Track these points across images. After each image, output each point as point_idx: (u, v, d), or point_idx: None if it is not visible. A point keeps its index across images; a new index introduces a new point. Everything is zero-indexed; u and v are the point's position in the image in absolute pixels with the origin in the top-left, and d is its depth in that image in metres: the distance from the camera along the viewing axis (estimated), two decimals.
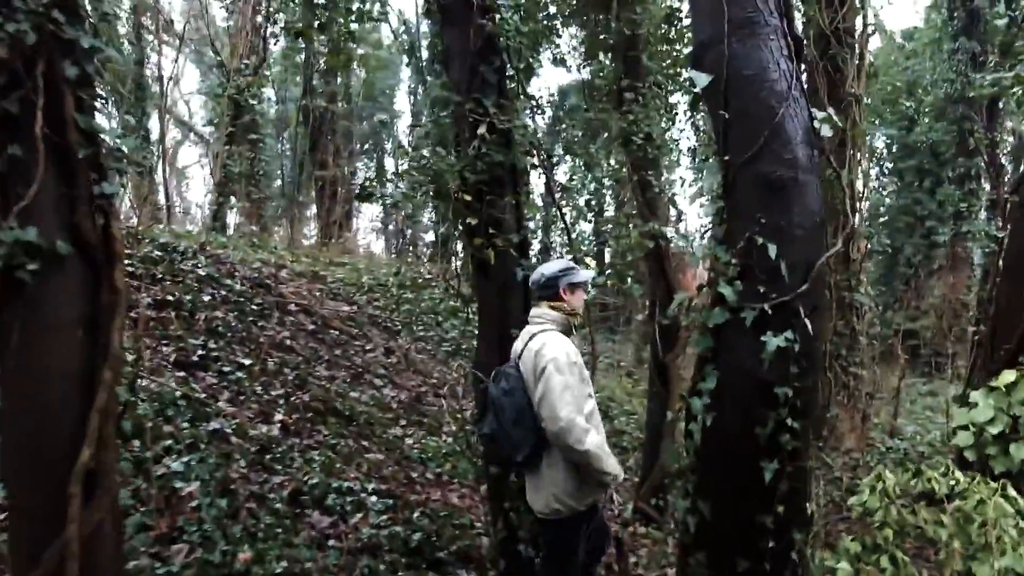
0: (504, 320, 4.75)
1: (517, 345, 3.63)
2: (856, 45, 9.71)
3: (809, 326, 3.31)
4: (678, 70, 8.11)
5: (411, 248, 28.50)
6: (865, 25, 9.81)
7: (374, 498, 5.64)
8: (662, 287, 7.29)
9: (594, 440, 3.29)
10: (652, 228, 7.00)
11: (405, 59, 26.47)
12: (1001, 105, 10.09)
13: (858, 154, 9.55)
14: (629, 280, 6.83)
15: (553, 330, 3.52)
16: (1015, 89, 10.12)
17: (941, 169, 16.22)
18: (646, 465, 7.41)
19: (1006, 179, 9.89)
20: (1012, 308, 6.61)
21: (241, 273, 9.83)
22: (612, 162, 7.64)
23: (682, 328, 7.40)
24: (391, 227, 32.47)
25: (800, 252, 3.40)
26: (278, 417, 6.55)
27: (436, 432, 7.97)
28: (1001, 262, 6.90)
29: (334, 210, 20.19)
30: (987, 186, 15.10)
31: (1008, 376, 4.23)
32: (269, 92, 29.27)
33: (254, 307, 8.82)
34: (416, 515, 5.51)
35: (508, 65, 5.33)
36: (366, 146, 31.53)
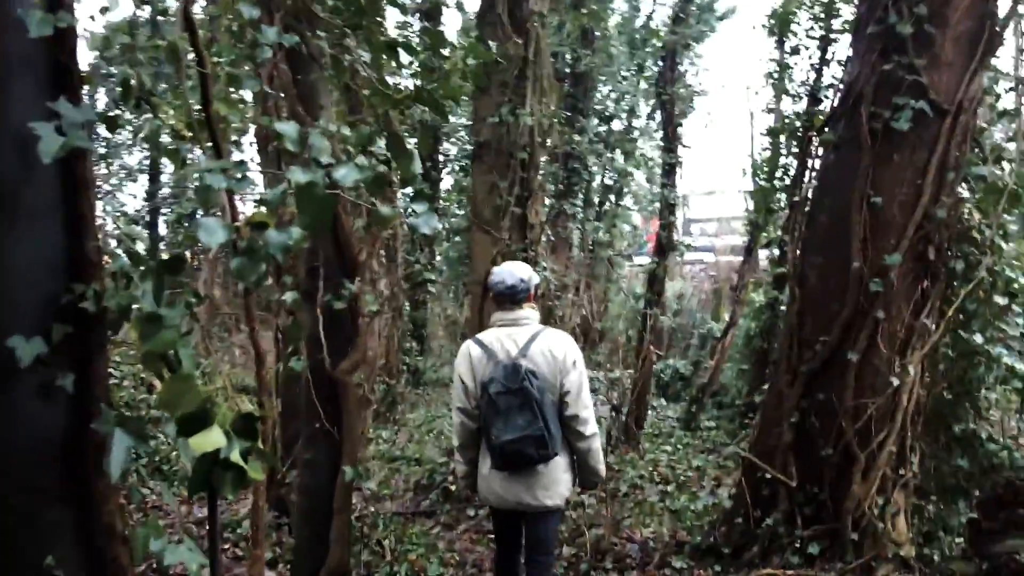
0: None
1: (505, 343, 3.37)
2: None
3: None
4: None
5: None
6: None
7: None
8: (330, 243, 3.98)
9: None
10: (304, 129, 3.64)
11: None
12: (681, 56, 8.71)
13: (542, 87, 7.16)
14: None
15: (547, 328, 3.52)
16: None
17: None
18: (306, 560, 4.08)
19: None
20: (826, 289, 4.66)
21: None
22: None
23: (368, 318, 4.20)
24: None
25: None
26: None
27: None
28: (799, 233, 4.95)
29: None
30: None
31: None
32: None
33: None
34: None
35: None
36: None
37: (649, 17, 19.83)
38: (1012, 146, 4.59)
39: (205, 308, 14.60)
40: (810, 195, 4.86)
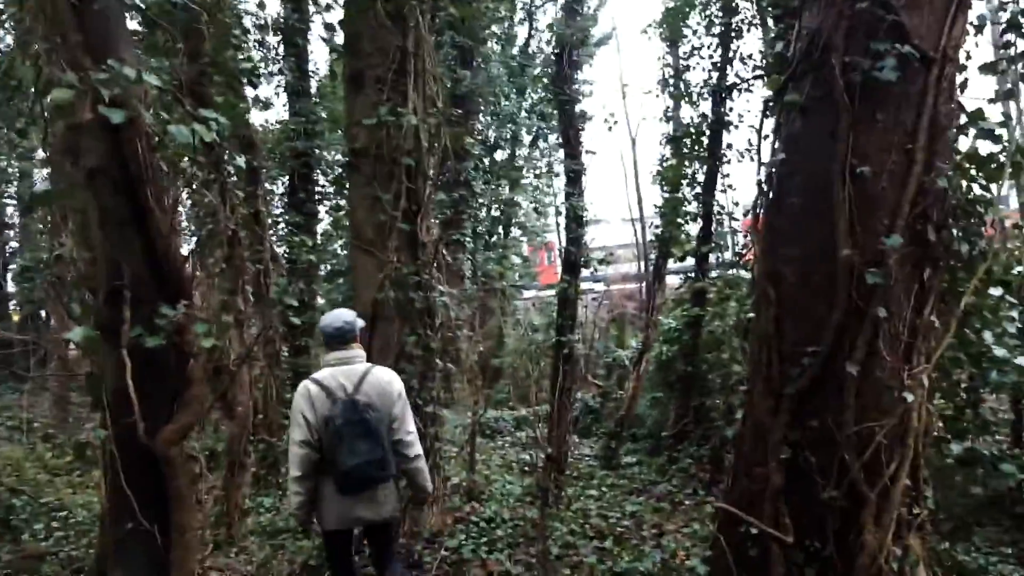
0: None
1: (341, 381, 3.72)
2: None
3: None
4: None
5: None
6: None
7: None
8: (140, 252, 2.68)
9: None
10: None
11: None
12: (578, 55, 7.73)
13: (425, 83, 6.04)
14: None
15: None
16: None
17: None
18: None
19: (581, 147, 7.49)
20: (808, 286, 3.70)
21: None
22: None
23: (201, 361, 2.90)
24: None
25: None
26: None
27: None
28: (765, 222, 4.02)
29: None
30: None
31: None
32: None
33: None
34: None
35: None
36: None
37: (527, 43, 19.31)
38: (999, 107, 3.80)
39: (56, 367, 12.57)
40: (773, 174, 3.91)
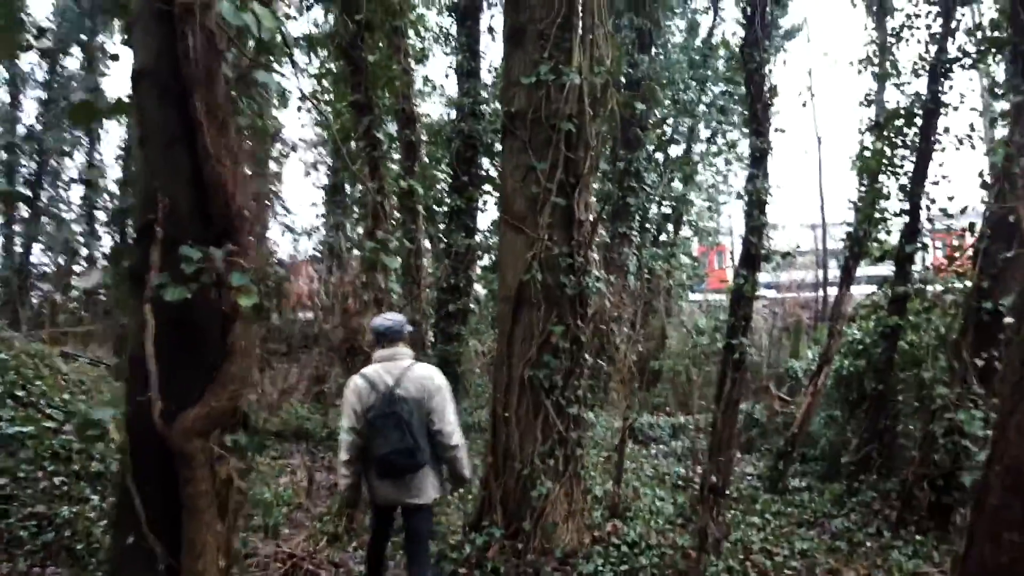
0: None
1: (384, 377, 4.02)
2: None
3: None
4: None
5: None
6: None
7: None
8: (184, 177, 2.09)
9: None
10: None
11: None
12: (770, 15, 6.66)
13: (593, 39, 5.28)
14: None
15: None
16: None
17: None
18: None
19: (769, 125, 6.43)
20: None
21: None
22: None
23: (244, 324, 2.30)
24: None
25: None
26: None
27: None
28: None
29: None
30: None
31: None
32: None
33: None
34: None
35: None
36: None
37: (710, 33, 18.06)
38: None
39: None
40: None
